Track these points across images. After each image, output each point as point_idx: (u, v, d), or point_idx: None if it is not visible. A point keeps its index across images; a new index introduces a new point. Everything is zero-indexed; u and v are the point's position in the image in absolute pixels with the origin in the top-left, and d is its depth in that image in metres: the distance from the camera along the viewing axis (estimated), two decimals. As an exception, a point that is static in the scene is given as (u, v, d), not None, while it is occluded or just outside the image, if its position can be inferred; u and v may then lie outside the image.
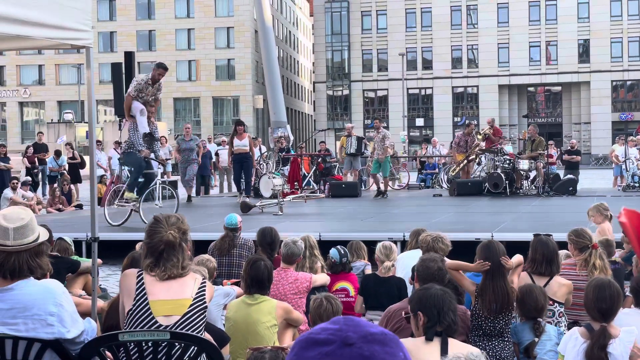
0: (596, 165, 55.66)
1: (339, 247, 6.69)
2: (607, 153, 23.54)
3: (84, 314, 4.81)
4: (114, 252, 9.89)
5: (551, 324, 5.09)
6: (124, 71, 18.15)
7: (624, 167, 22.43)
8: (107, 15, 70.13)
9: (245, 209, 14.26)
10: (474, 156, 19.49)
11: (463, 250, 5.37)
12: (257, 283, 5.03)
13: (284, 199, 15.01)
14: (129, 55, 18.31)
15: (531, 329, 4.84)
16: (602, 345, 3.97)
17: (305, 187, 20.46)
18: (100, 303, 5.41)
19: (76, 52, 54.17)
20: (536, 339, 4.79)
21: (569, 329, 4.72)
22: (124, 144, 13.32)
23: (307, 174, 21.48)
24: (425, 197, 19.10)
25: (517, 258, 4.97)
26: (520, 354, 4.81)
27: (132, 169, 12.77)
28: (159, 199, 12.67)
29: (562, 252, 6.22)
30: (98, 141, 26.19)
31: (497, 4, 67.45)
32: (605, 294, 4.06)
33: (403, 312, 3.87)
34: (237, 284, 6.31)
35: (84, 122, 48.60)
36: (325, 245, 7.62)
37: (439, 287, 3.83)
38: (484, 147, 19.49)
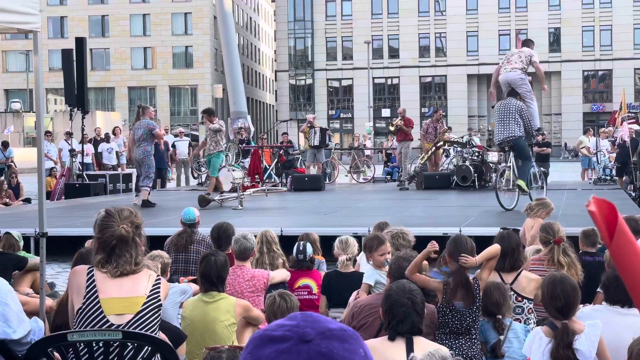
0: (569, 159, 55.10)
1: (299, 242, 6.54)
2: (575, 145, 23.87)
3: (31, 313, 4.62)
4: (65, 248, 9.62)
5: (520, 320, 5.02)
6: (74, 58, 17.75)
7: (594, 159, 22.58)
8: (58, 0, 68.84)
9: (204, 203, 14.04)
10: (441, 143, 19.30)
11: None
12: (207, 279, 4.91)
13: (244, 193, 14.81)
14: (80, 42, 17.89)
15: (493, 327, 4.76)
16: (568, 343, 3.91)
17: (267, 180, 20.27)
18: (49, 302, 5.23)
19: (24, 37, 53.16)
20: (501, 337, 4.71)
21: (538, 325, 4.64)
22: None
23: (268, 167, 21.29)
24: (391, 190, 19.01)
25: (493, 249, 4.86)
26: (487, 353, 4.73)
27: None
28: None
29: (533, 247, 6.16)
30: (47, 132, 25.73)
31: (466, -10, 67.27)
32: (558, 290, 4.01)
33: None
34: (194, 281, 6.15)
35: (33, 112, 47.76)
36: (287, 241, 7.46)
37: (407, 287, 3.74)
38: (395, 140, 19.38)
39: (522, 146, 12.03)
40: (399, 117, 19.75)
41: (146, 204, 14.02)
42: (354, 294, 5.42)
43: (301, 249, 6.41)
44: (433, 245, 4.79)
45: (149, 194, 14.39)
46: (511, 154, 12.09)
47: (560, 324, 3.98)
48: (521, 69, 12.60)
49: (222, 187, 15.01)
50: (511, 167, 12.02)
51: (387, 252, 5.58)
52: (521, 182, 11.73)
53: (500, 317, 4.77)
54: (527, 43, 13.41)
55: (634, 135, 19.45)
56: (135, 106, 15.48)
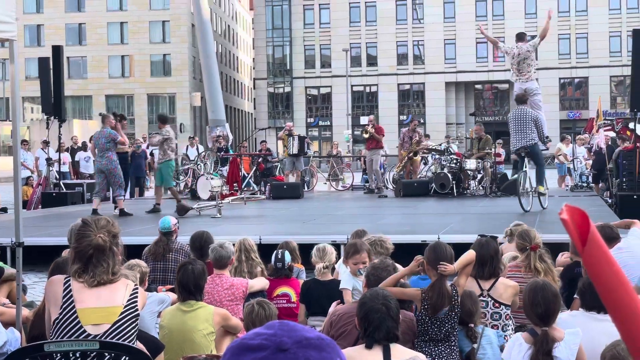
0: (549, 166, 55.46)
1: (277, 251, 6.53)
2: (554, 152, 24.00)
3: (7, 324, 4.57)
4: (41, 258, 9.53)
5: (498, 327, 5.04)
6: (51, 66, 17.65)
7: (571, 166, 22.70)
8: (34, 7, 68.25)
9: (182, 211, 13.98)
10: (414, 151, 19.35)
11: (409, 253, 5.28)
12: (184, 288, 4.89)
13: (223, 201, 14.76)
14: (57, 50, 17.78)
15: (466, 336, 4.79)
16: (547, 351, 3.94)
17: (245, 189, 20.22)
18: (25, 312, 5.17)
19: (0, 45, 52.65)
20: (474, 346, 4.73)
21: (516, 332, 4.66)
22: None
23: (247, 175, 21.25)
24: (370, 198, 19.05)
25: (469, 255, 4.87)
26: None
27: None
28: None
29: (509, 254, 6.18)
30: (24, 141, 25.48)
31: (444, -2, 67.56)
32: (538, 297, 4.03)
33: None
34: (172, 290, 6.11)
35: (9, 121, 47.28)
36: (266, 249, 7.45)
37: (381, 294, 3.76)
38: (371, 146, 19.53)
39: (538, 152, 12.75)
40: (370, 125, 19.83)
41: (123, 213, 13.89)
42: (334, 304, 5.39)
43: (279, 257, 6.39)
44: (418, 261, 4.78)
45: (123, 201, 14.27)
46: (525, 160, 12.74)
47: (540, 330, 4.00)
48: (534, 73, 14.08)
49: (178, 197, 14.85)
50: (527, 172, 12.74)
51: (362, 262, 5.50)
52: (541, 188, 12.74)
53: (472, 325, 4.79)
54: (522, 37, 14.96)
55: (610, 143, 19.63)
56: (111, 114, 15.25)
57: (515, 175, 12.96)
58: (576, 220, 1.36)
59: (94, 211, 13.55)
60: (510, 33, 65.20)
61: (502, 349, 4.73)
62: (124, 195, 14.41)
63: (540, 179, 12.78)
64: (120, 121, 14.74)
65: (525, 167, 12.72)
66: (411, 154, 19.23)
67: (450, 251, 4.77)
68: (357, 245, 5.64)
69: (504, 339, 4.87)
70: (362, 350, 3.65)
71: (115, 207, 14.62)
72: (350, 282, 5.49)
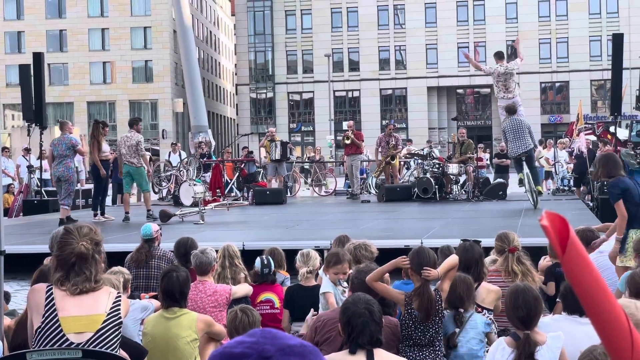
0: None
1: (262, 256, 6.52)
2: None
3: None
4: (23, 266, 9.46)
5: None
6: (32, 73, 17.56)
7: (552, 170, 22.85)
8: (14, 14, 67.68)
9: (165, 218, 13.92)
10: (391, 155, 19.37)
11: (392, 257, 5.30)
12: (169, 295, 4.87)
13: (206, 207, 14.72)
14: (37, 57, 17.70)
15: (453, 320, 4.82)
16: (529, 354, 3.95)
17: (228, 195, 20.17)
18: (7, 321, 5.13)
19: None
20: (457, 330, 4.76)
21: (499, 336, 4.68)
22: None
23: (229, 181, 21.20)
24: (352, 203, 19.05)
25: (452, 260, 4.89)
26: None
27: None
28: None
29: (489, 258, 6.20)
30: (5, 148, 25.31)
31: (425, 3, 67.52)
32: (520, 301, 4.04)
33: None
34: (155, 297, 6.09)
35: (-11, 128, 46.98)
36: (249, 255, 7.43)
37: (363, 299, 3.76)
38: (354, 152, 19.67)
39: (533, 156, 14.53)
40: (350, 130, 19.87)
41: (63, 222, 13.08)
42: (311, 312, 5.37)
43: (265, 262, 6.39)
44: (404, 260, 4.79)
45: (69, 212, 13.87)
46: (524, 163, 14.02)
47: (522, 334, 4.01)
48: (516, 88, 15.37)
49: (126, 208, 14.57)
50: (529, 174, 14.01)
51: (342, 272, 5.50)
52: (539, 188, 14.24)
53: (462, 310, 4.80)
54: (500, 55, 15.86)
55: (590, 146, 19.76)
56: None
57: (522, 176, 14.02)
58: (556, 226, 1.37)
59: (68, 219, 13.21)
60: (491, 37, 66.04)
61: (488, 337, 4.77)
62: (70, 206, 14.06)
63: (537, 180, 14.49)
64: (103, 128, 14.62)
65: (526, 169, 13.95)
66: (388, 158, 19.25)
67: (434, 256, 4.79)
68: (339, 256, 5.62)
69: (491, 327, 4.89)
70: (345, 355, 3.64)
71: (97, 214, 14.52)
72: (331, 287, 5.49)
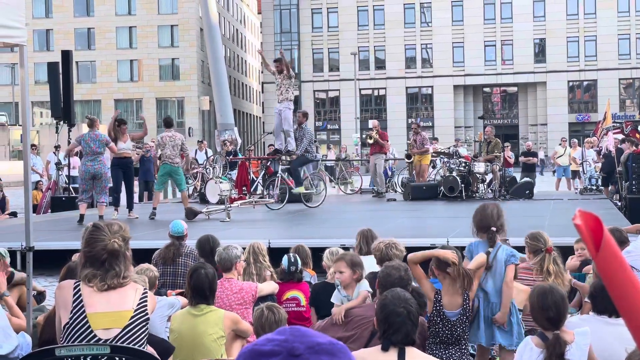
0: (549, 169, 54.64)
1: (290, 254, 6.51)
2: (550, 155, 24.15)
3: (18, 329, 4.57)
4: (51, 262, 9.54)
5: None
6: (60, 71, 17.70)
7: (580, 169, 22.71)
8: (43, 12, 68.46)
9: (191, 215, 13.98)
10: (418, 153, 19.44)
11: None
12: (198, 293, 4.87)
13: (232, 205, 14.76)
14: (66, 54, 17.84)
15: (486, 243, 4.88)
16: (560, 354, 3.91)
17: (254, 192, 20.19)
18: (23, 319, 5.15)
19: (10, 50, 52.81)
20: (490, 250, 4.81)
21: (525, 335, 4.64)
22: None
23: (255, 179, 21.23)
24: (378, 201, 19.03)
25: (481, 259, 4.85)
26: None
27: None
28: None
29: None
30: (33, 145, 25.57)
31: (452, 2, 67.26)
32: (548, 301, 4.01)
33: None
34: (182, 294, 6.11)
35: (19, 125, 47.44)
36: (275, 253, 7.44)
37: (402, 297, 3.72)
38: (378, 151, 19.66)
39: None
40: (375, 131, 19.94)
41: (83, 218, 13.28)
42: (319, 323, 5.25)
43: (292, 260, 6.38)
44: (453, 255, 4.70)
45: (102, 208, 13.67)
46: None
47: (552, 334, 3.97)
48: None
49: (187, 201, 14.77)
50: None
51: (339, 271, 5.30)
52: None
53: (494, 229, 4.83)
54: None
55: (619, 145, 19.54)
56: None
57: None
58: (590, 226, 1.36)
59: (82, 217, 13.22)
60: (519, 36, 65.58)
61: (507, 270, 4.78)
62: (106, 202, 13.99)
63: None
64: (120, 126, 14.37)
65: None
66: (415, 157, 19.48)
67: (458, 255, 4.75)
68: (339, 255, 5.56)
69: (514, 259, 4.93)
70: (376, 352, 3.62)
71: (108, 211, 14.50)
72: (339, 297, 5.25)
